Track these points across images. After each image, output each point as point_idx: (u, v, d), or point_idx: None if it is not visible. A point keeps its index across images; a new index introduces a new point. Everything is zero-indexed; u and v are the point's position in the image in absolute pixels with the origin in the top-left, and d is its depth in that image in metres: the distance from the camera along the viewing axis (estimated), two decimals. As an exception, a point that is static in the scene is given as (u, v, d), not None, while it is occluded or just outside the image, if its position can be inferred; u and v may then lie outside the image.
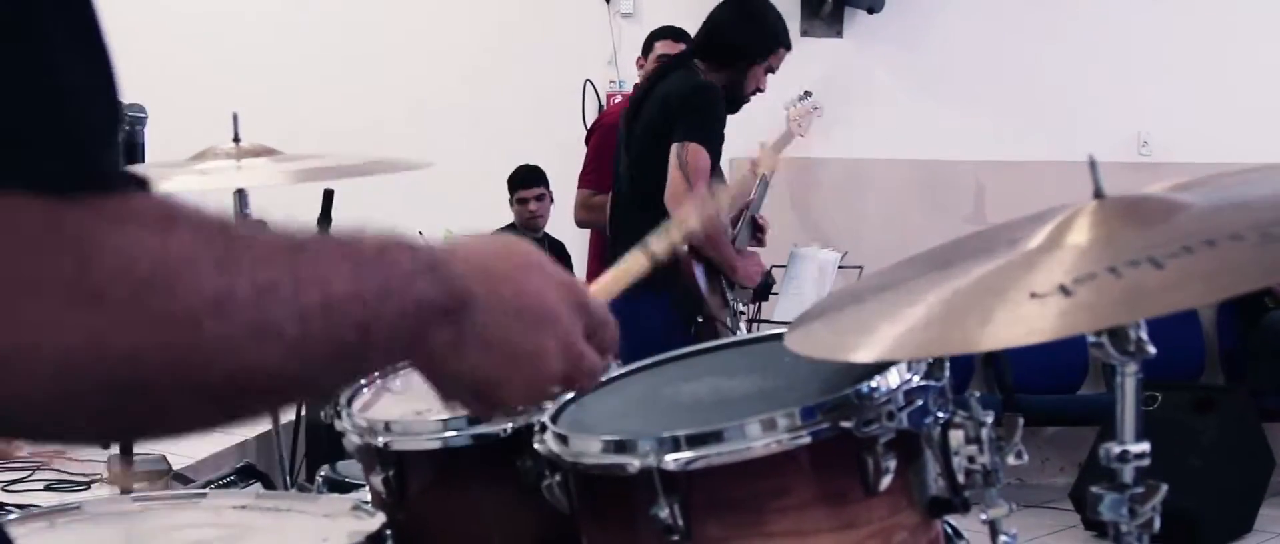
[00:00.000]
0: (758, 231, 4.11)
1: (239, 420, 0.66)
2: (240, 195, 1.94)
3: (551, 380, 0.88)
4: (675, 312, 3.48)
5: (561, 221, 5.90)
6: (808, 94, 4.76)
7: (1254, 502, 5.21)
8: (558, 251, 6.10)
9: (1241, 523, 5.13)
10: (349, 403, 1.64)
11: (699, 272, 3.54)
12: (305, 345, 0.64)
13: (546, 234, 6.10)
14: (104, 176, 0.59)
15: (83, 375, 0.56)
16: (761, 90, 3.82)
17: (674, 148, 3.48)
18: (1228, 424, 5.12)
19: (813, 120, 4.75)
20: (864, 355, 1.18)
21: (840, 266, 5.24)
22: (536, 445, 1.36)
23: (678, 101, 3.58)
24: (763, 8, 3.79)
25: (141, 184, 0.61)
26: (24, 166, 0.55)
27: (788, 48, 3.83)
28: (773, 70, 3.80)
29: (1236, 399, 5.30)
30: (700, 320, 3.48)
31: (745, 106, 4.36)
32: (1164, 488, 1.22)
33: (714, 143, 3.55)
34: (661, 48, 4.81)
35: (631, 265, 1.19)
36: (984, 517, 1.31)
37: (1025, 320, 1.05)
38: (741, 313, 3.77)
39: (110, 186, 0.58)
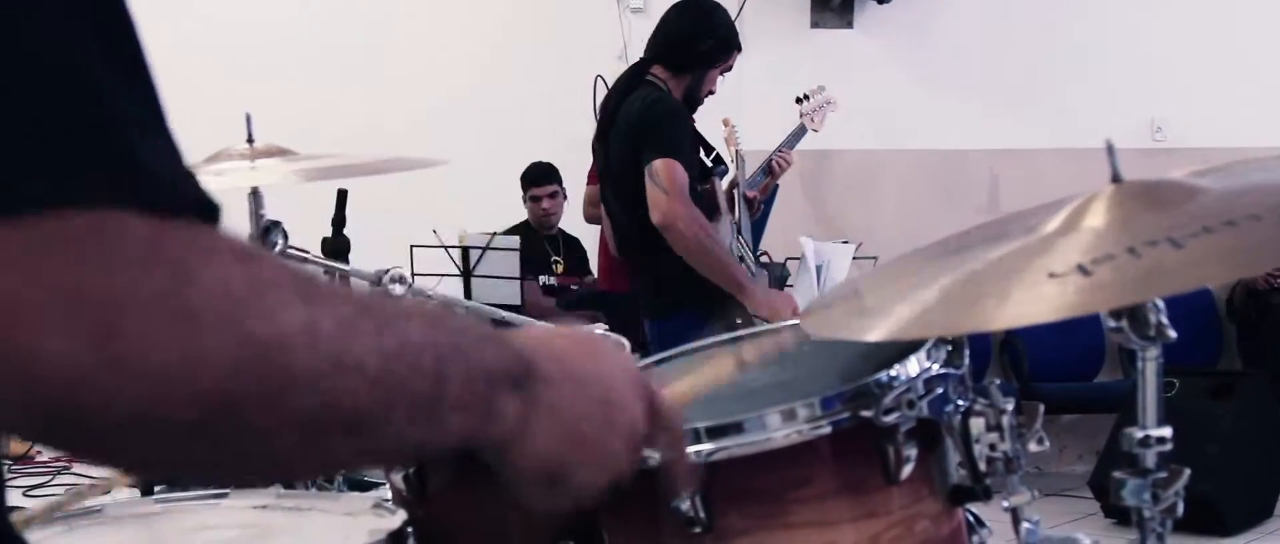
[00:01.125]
0: (751, 207, 4.12)
1: (314, 464, 0.69)
2: (255, 195, 1.94)
3: (619, 466, 0.86)
4: (712, 323, 3.48)
5: (575, 217, 5.91)
6: (821, 88, 4.75)
7: (1273, 487, 5.19)
8: (572, 247, 6.11)
9: (1263, 508, 5.12)
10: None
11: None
12: (386, 387, 0.65)
13: (561, 230, 6.11)
14: (197, 205, 0.61)
15: (174, 392, 0.58)
16: (712, 92, 3.84)
17: (646, 172, 3.49)
18: (1246, 410, 5.10)
19: (826, 114, 4.74)
20: (879, 333, 1.17)
21: (854, 258, 5.24)
22: (556, 440, 1.36)
23: (636, 129, 3.59)
24: (713, 12, 3.80)
25: (216, 212, 0.63)
26: (132, 190, 0.58)
27: (739, 50, 3.85)
28: (728, 70, 3.83)
29: (1254, 384, 5.28)
30: (738, 322, 3.47)
31: (761, 100, 4.38)
32: (1187, 473, 1.22)
33: (684, 153, 3.56)
34: None
35: (712, 374, 1.17)
36: (1006, 504, 1.31)
37: (1044, 299, 1.05)
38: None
39: (202, 216, 0.61)
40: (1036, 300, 1.05)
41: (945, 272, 1.19)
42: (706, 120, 3.81)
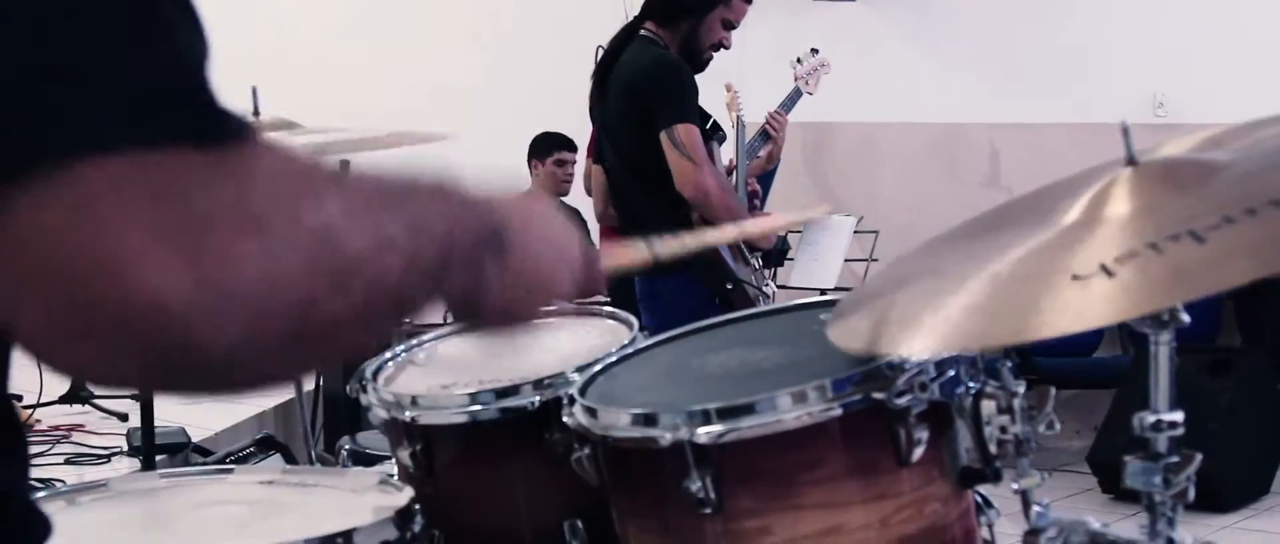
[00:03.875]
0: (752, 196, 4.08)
1: (370, 341, 0.71)
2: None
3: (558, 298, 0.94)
4: (702, 285, 3.46)
5: (579, 194, 5.88)
6: (815, 51, 4.72)
7: (1272, 463, 5.20)
8: (576, 220, 6.10)
9: (1259, 484, 5.13)
10: (374, 376, 1.63)
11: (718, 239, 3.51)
12: (412, 257, 0.69)
13: (563, 203, 6.10)
14: (240, 129, 0.63)
15: (265, 298, 0.60)
16: (725, 46, 3.70)
17: (663, 137, 3.43)
18: (1244, 386, 5.10)
19: (821, 77, 4.70)
20: (910, 349, 1.17)
21: (855, 231, 5.23)
22: (565, 418, 1.36)
23: (643, 86, 3.52)
24: None
25: (252, 130, 0.65)
26: (193, 124, 0.60)
27: None
28: (732, 25, 3.69)
29: (1253, 360, 5.29)
30: (729, 287, 3.46)
31: (762, 72, 4.33)
32: (1199, 457, 1.21)
33: (694, 113, 3.52)
34: None
35: (634, 255, 1.18)
36: (1016, 486, 1.31)
37: (1071, 307, 1.04)
38: (760, 268, 3.74)
39: (245, 136, 0.63)
40: (1064, 308, 1.04)
41: (969, 271, 1.17)
42: (707, 85, 3.72)
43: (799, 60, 4.70)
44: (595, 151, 4.38)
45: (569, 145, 5.94)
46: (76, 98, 0.57)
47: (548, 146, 5.95)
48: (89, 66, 0.58)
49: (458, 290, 0.78)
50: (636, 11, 3.80)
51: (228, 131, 0.62)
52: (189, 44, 0.63)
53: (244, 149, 0.62)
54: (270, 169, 0.63)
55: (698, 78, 3.62)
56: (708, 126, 3.66)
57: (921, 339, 1.16)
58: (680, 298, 3.41)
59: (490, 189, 0.87)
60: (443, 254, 0.73)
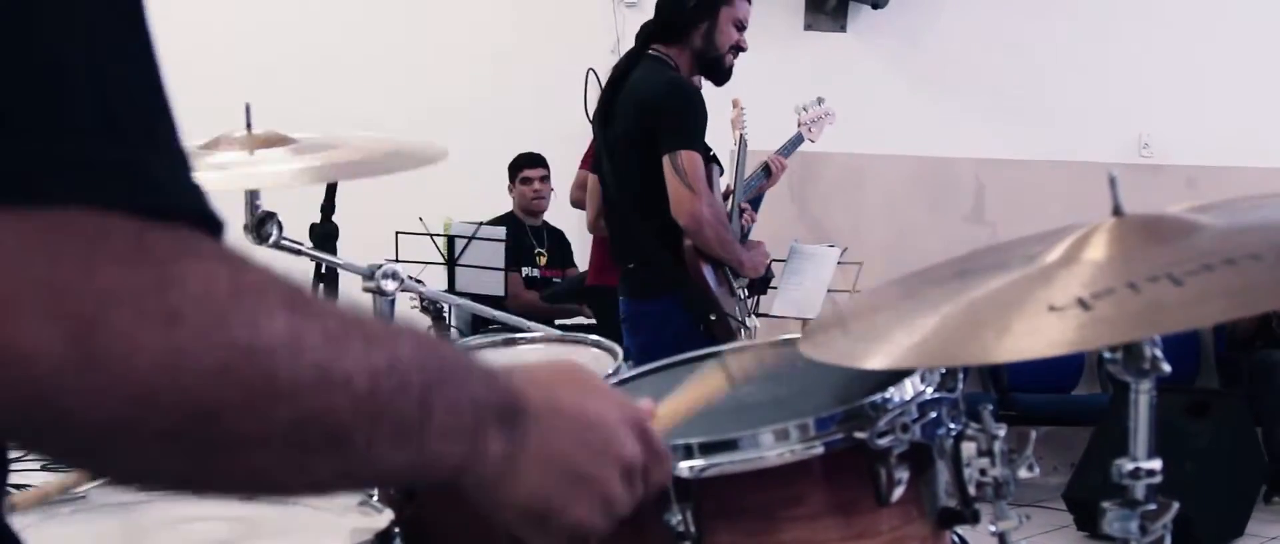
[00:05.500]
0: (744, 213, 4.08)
1: (293, 482, 0.66)
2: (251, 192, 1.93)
3: (615, 505, 0.85)
4: (687, 312, 3.46)
5: (563, 213, 5.90)
6: (820, 100, 4.73)
7: (1247, 505, 5.23)
8: (557, 240, 6.10)
9: (1234, 527, 5.15)
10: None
11: (707, 270, 3.52)
12: (371, 404, 0.64)
13: (546, 222, 6.10)
14: (193, 213, 0.60)
15: (154, 394, 0.56)
16: (742, 48, 3.68)
17: (666, 161, 3.42)
18: (1222, 428, 5.13)
19: (825, 126, 4.71)
20: (878, 362, 1.17)
21: (840, 262, 5.25)
22: (547, 447, 1.36)
23: (653, 107, 3.49)
24: None
25: (217, 226, 0.62)
26: (119, 187, 0.57)
27: None
28: (742, 26, 3.67)
29: (1231, 404, 5.31)
30: (712, 319, 3.46)
31: (752, 100, 4.32)
32: (1176, 506, 1.23)
33: (701, 141, 3.51)
34: None
35: (705, 388, 1.16)
36: (994, 528, 1.32)
37: (1043, 332, 1.05)
38: (746, 298, 3.74)
39: (195, 221, 0.60)
40: (1036, 333, 1.05)
41: (946, 298, 1.19)
42: (714, 100, 3.69)
43: (805, 108, 4.70)
44: (592, 163, 4.39)
45: (532, 162, 5.94)
46: (3, 148, 0.54)
47: (515, 168, 5.98)
48: (20, 113, 0.55)
49: (448, 463, 0.72)
50: (626, 35, 3.80)
51: (180, 212, 0.59)
52: (169, 118, 0.60)
53: (187, 239, 0.59)
54: (210, 272, 0.59)
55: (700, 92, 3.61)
56: (707, 157, 3.67)
57: (890, 353, 1.17)
58: (664, 323, 3.42)
59: (512, 366, 0.80)
60: (417, 411, 0.67)
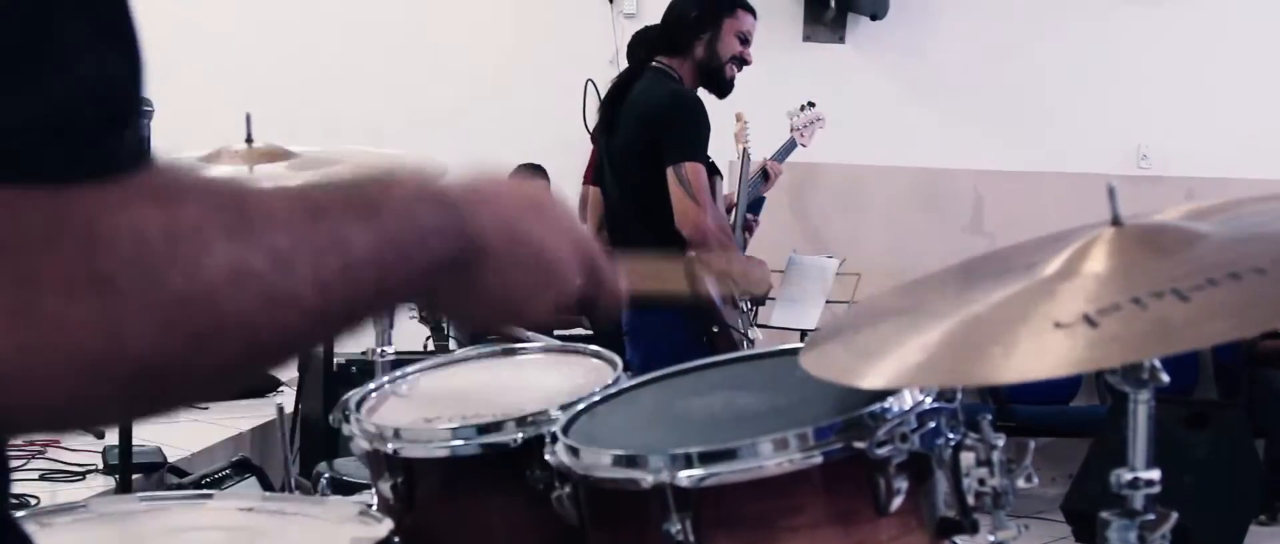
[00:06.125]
0: (749, 224, 4.09)
1: (246, 380, 0.64)
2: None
3: (546, 314, 0.88)
4: (689, 324, 3.47)
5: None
6: (811, 104, 4.75)
7: (1245, 517, 5.22)
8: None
9: (1233, 538, 5.14)
10: (357, 407, 1.63)
11: (710, 282, 3.52)
12: (323, 310, 0.62)
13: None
14: (106, 160, 0.56)
15: (103, 369, 0.54)
16: (747, 62, 3.70)
17: (670, 172, 3.43)
18: (1220, 439, 5.12)
19: (816, 131, 4.73)
20: (883, 379, 1.18)
21: (838, 273, 5.25)
22: (547, 456, 1.36)
23: (657, 118, 3.51)
24: None
25: (147, 162, 0.58)
26: (21, 157, 0.53)
27: (748, 10, 3.72)
28: (746, 40, 3.69)
29: (1229, 415, 5.31)
30: (714, 330, 3.46)
31: (750, 110, 4.33)
32: (1175, 516, 1.23)
33: (703, 152, 3.52)
34: None
35: (667, 275, 1.15)
36: (992, 538, 1.32)
37: (1051, 352, 1.05)
38: (749, 311, 3.75)
39: (114, 170, 0.56)
40: (1044, 353, 1.05)
41: (947, 311, 1.19)
42: (717, 114, 3.69)
43: (800, 109, 4.72)
44: (593, 175, 4.39)
45: (535, 172, 5.96)
46: None
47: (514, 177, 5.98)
48: None
49: (401, 308, 0.76)
50: (625, 45, 3.81)
51: (90, 169, 0.55)
52: (84, 70, 0.55)
53: (108, 189, 0.55)
54: (138, 222, 0.55)
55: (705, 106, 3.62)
56: (708, 167, 3.68)
57: (894, 372, 1.16)
58: (666, 335, 3.42)
59: (478, 185, 0.80)
60: (373, 298, 0.67)
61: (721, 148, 3.70)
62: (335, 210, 0.65)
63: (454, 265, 0.75)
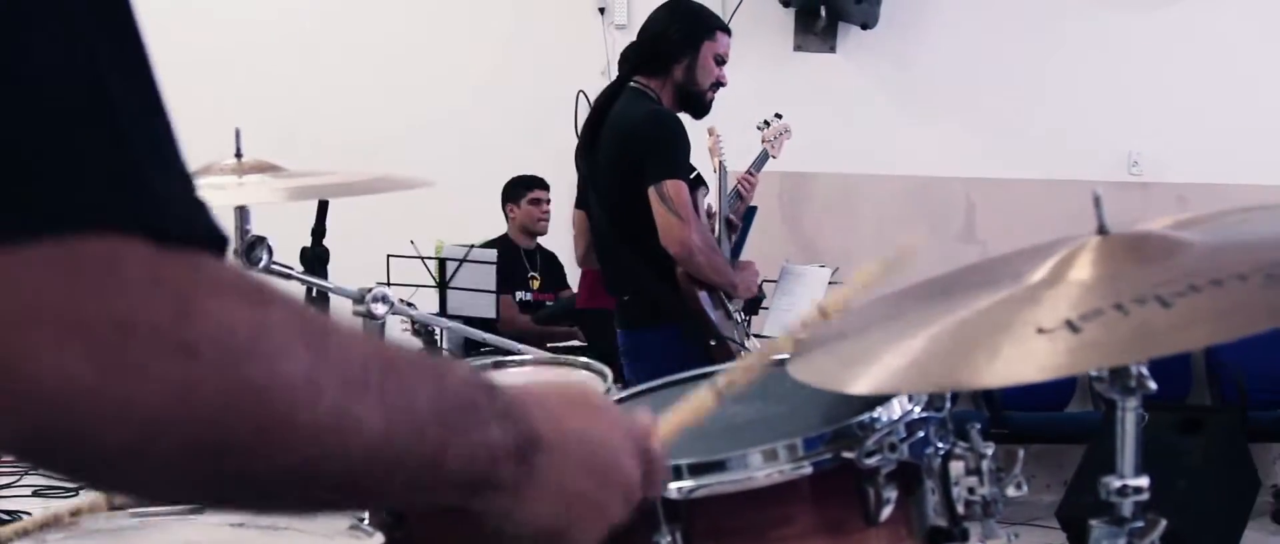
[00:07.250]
0: (730, 228, 4.09)
1: (296, 507, 0.67)
2: (241, 212, 1.94)
3: (615, 519, 0.86)
4: (686, 341, 3.47)
5: (556, 236, 5.90)
6: (779, 116, 4.79)
7: (1239, 523, 5.22)
8: (550, 263, 6.11)
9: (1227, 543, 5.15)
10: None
11: (703, 297, 3.53)
12: (385, 448, 0.64)
13: (539, 245, 6.10)
14: (203, 234, 0.60)
15: (167, 426, 0.57)
16: (722, 83, 3.71)
17: (652, 193, 3.42)
18: (1214, 445, 5.13)
19: (784, 142, 4.77)
20: (867, 385, 1.18)
21: (831, 282, 5.25)
22: (537, 469, 1.36)
23: (637, 137, 3.51)
24: (678, 3, 3.71)
25: (222, 243, 0.61)
26: (132, 212, 0.57)
27: (725, 31, 3.73)
28: (722, 60, 3.70)
29: (1223, 420, 5.32)
30: (712, 344, 3.47)
31: (742, 121, 4.33)
32: (1163, 523, 1.23)
33: (685, 169, 3.52)
34: None
35: (699, 404, 1.14)
36: (982, 547, 1.32)
37: (1033, 356, 1.05)
38: (744, 322, 3.76)
39: (207, 246, 0.60)
40: (1026, 357, 1.06)
41: (933, 318, 1.19)
42: (690, 130, 3.71)
43: (766, 123, 4.76)
44: (579, 198, 4.40)
45: (542, 184, 5.97)
46: (15, 177, 0.55)
47: (522, 188, 5.98)
48: (28, 142, 0.55)
49: (458, 499, 0.73)
50: (617, 57, 3.82)
51: (190, 233, 0.59)
52: (173, 143, 0.60)
53: (202, 266, 0.59)
54: (228, 309, 0.58)
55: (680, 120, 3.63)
56: (691, 178, 3.68)
57: (880, 377, 1.17)
58: (664, 351, 3.42)
59: (529, 389, 0.80)
60: (431, 461, 0.68)
61: (698, 163, 3.71)
62: (404, 361, 0.67)
63: (513, 455, 0.74)
